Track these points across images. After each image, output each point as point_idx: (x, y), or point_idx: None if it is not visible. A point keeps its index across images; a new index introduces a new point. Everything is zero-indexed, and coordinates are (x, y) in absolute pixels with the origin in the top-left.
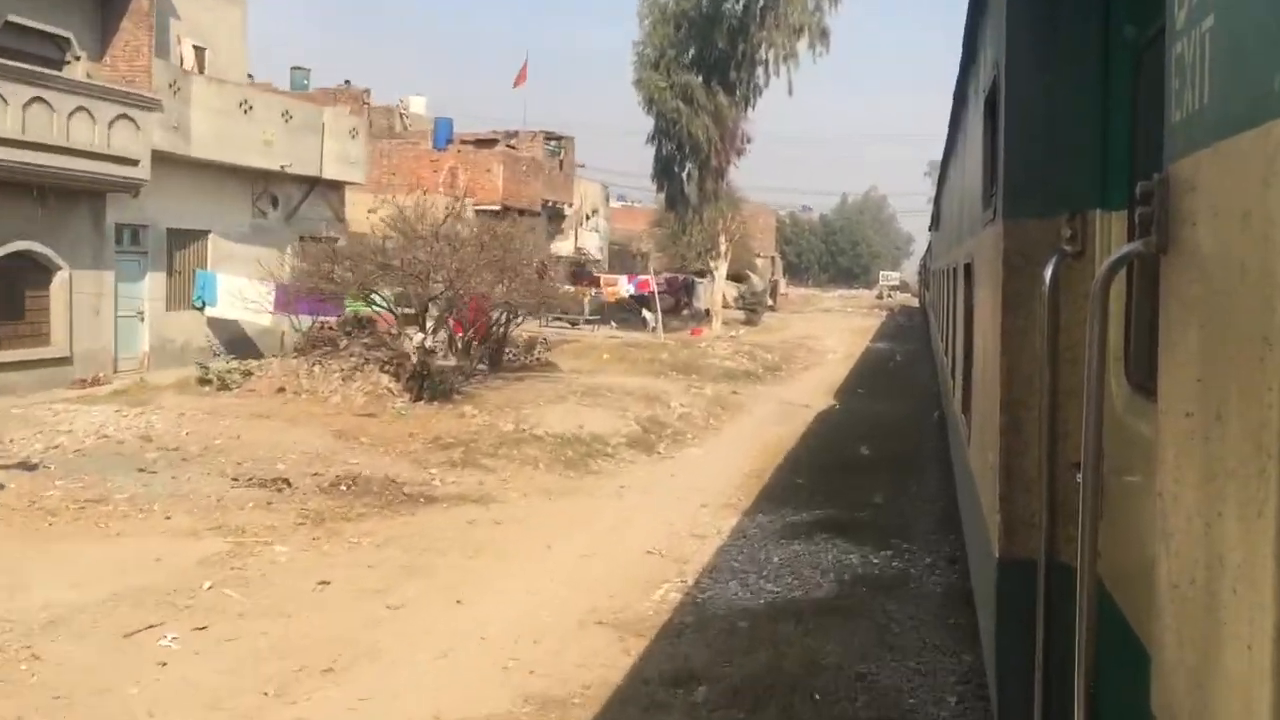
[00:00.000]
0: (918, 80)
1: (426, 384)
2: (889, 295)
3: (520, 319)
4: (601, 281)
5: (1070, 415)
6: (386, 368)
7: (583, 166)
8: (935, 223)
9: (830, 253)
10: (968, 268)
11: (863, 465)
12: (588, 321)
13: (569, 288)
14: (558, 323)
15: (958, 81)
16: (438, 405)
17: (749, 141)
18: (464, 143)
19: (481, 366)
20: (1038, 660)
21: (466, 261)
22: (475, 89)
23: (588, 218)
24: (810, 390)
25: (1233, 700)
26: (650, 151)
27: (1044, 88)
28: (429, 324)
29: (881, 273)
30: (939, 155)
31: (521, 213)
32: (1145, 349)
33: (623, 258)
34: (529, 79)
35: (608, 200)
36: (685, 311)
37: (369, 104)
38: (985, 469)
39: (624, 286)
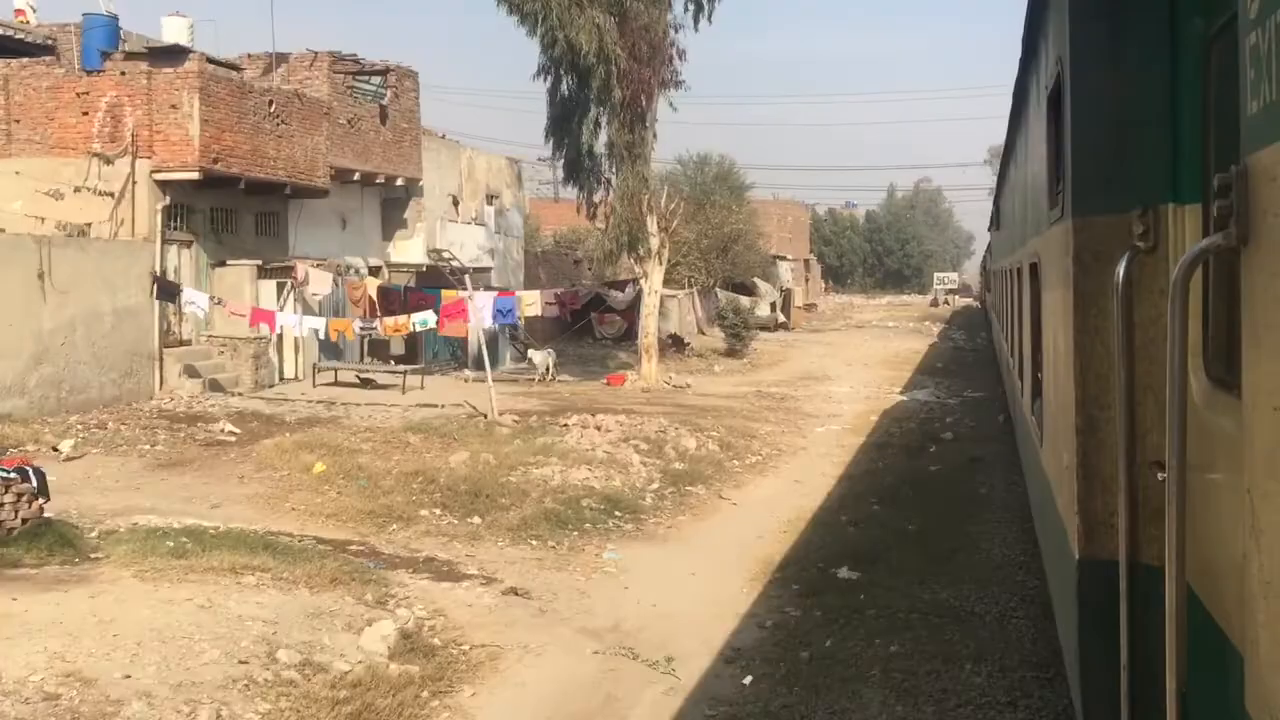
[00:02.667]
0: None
1: None
2: (945, 301)
3: None
4: (410, 301)
5: (1147, 413)
6: None
7: (443, 137)
8: (995, 222)
9: (876, 254)
10: (1034, 267)
11: None
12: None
13: (365, 323)
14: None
15: (1018, 79)
16: None
17: (683, 58)
18: (130, 56)
19: None
20: (1123, 661)
21: None
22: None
23: (491, 201)
24: (717, 571)
25: None
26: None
27: (1110, 82)
28: None
29: (936, 274)
30: (999, 140)
31: (270, 187)
32: (1224, 343)
33: (559, 266)
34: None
35: (521, 182)
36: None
37: None
38: (1061, 470)
39: (487, 312)
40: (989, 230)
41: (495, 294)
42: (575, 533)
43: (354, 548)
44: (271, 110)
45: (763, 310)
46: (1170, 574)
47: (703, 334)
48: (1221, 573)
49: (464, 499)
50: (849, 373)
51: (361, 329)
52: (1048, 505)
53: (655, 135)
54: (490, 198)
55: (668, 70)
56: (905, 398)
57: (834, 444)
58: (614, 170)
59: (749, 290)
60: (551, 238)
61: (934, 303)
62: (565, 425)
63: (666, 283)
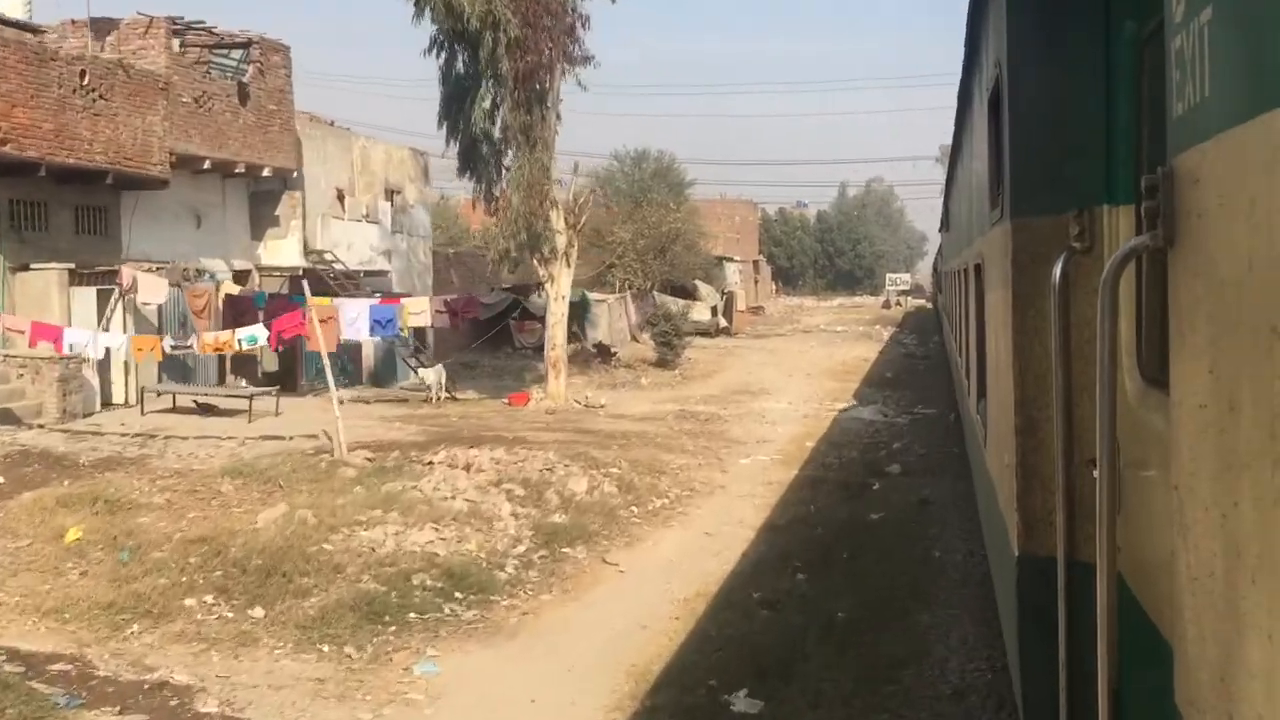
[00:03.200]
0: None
1: None
2: (898, 303)
3: None
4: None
5: (1085, 412)
6: None
7: (332, 124)
8: (945, 224)
9: (827, 254)
10: (978, 268)
11: None
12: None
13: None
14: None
15: (961, 81)
16: None
17: (586, 26)
18: None
19: None
20: (1061, 657)
21: None
22: None
23: (391, 196)
24: (571, 692)
25: (1256, 691)
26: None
27: (1047, 85)
28: None
29: (888, 275)
30: (949, 139)
31: (87, 175)
32: (1156, 342)
33: (476, 268)
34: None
35: (427, 176)
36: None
37: None
38: (1002, 468)
39: (362, 323)
40: (939, 232)
41: (372, 302)
42: (392, 628)
43: (58, 666)
44: (84, 83)
45: (702, 314)
46: (1101, 570)
47: (636, 341)
48: (1155, 569)
49: (253, 579)
50: (789, 385)
51: (173, 347)
52: (991, 503)
53: (559, 118)
54: (391, 193)
55: (571, 42)
56: (849, 415)
57: (760, 480)
58: (510, 146)
59: (689, 293)
60: (480, 237)
61: (886, 304)
62: (429, 464)
63: (597, 286)
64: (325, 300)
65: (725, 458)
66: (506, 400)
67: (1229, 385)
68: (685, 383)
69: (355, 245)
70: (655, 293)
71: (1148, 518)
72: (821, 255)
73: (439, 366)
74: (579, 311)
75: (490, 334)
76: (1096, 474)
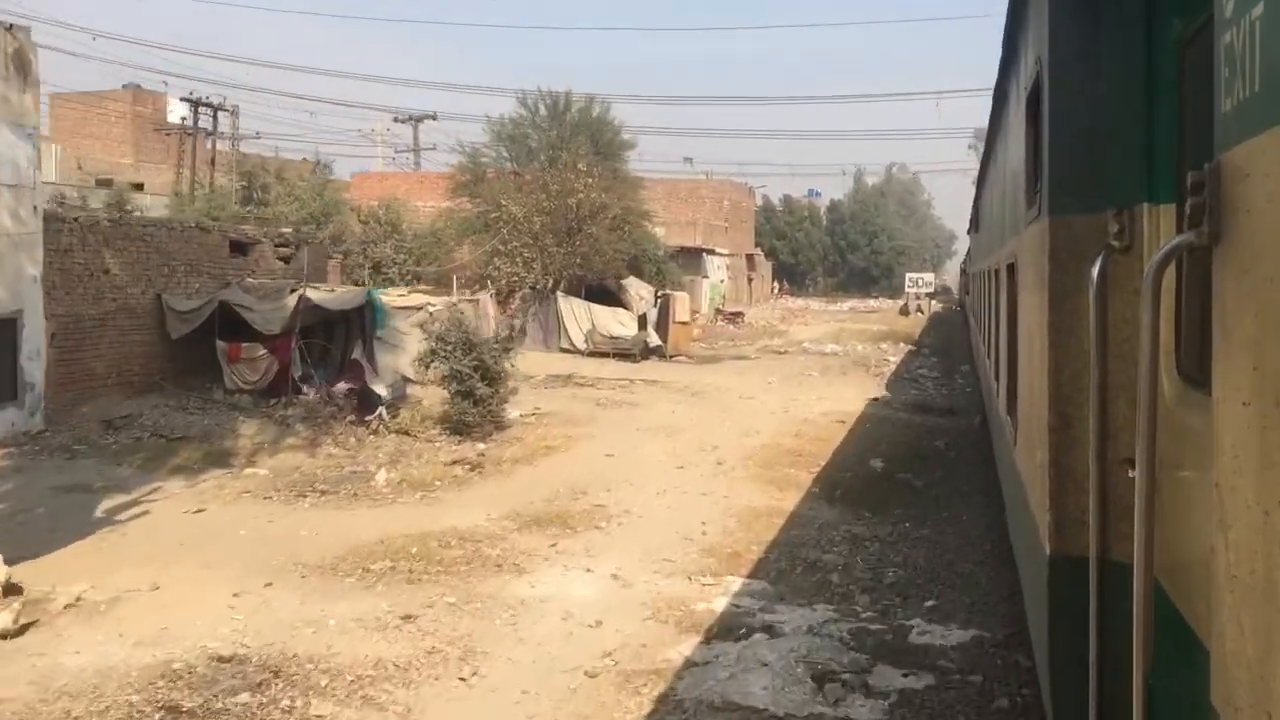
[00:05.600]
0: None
1: None
2: (918, 309)
3: None
4: None
5: (1119, 411)
6: None
7: None
8: (975, 225)
9: (838, 249)
10: (1010, 268)
11: None
12: None
13: None
14: None
15: (998, 81)
16: None
17: None
18: None
19: None
20: (1092, 657)
21: None
22: None
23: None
24: None
25: None
26: None
27: (1088, 83)
28: None
29: (908, 275)
30: (984, 123)
31: None
32: (1196, 342)
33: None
34: None
35: (26, 70)
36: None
37: None
38: (1034, 468)
39: None
40: (968, 233)
41: None
42: None
43: None
44: None
45: (623, 327)
46: (1139, 569)
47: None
48: (1190, 570)
49: None
50: (651, 509)
51: None
52: (1021, 503)
53: None
54: None
55: None
56: (724, 670)
57: None
58: None
59: (613, 295)
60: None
61: (904, 310)
62: None
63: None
64: None
65: None
66: None
67: (1274, 382)
68: (460, 488)
69: None
70: (560, 294)
71: (1183, 518)
72: (832, 250)
73: None
74: (356, 325)
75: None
76: (1134, 474)
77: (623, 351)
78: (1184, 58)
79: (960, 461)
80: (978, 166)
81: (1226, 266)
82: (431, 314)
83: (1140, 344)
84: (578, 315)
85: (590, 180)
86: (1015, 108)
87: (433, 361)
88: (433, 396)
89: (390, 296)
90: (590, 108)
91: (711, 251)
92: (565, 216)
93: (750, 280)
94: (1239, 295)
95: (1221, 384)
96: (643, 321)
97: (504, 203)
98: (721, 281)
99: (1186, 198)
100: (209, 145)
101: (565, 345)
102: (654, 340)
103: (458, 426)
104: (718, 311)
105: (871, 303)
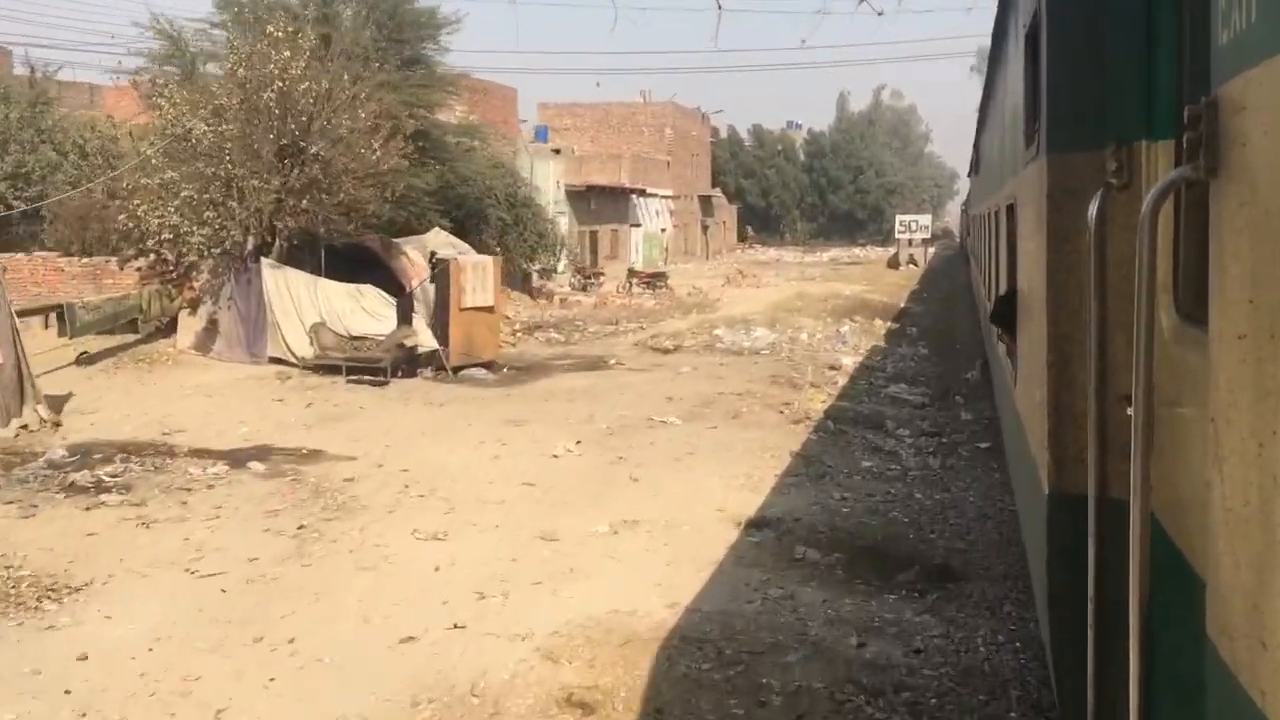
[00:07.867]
0: None
1: None
2: (911, 260)
3: None
4: None
5: (1118, 349)
6: None
7: None
8: (975, 168)
9: (818, 188)
10: (1010, 209)
11: None
12: None
13: None
14: None
15: (996, 19)
16: None
17: None
18: None
19: None
20: (1090, 593)
21: None
22: None
23: None
24: None
25: None
26: None
27: (1086, 19)
28: None
29: (899, 218)
30: (986, 43)
31: None
32: (1194, 278)
33: None
34: None
35: None
36: None
37: None
38: (1033, 407)
39: None
40: (969, 176)
41: None
42: None
43: None
44: None
45: (373, 322)
46: (1136, 505)
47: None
48: (1187, 506)
49: None
50: None
51: None
52: (1020, 443)
53: None
54: None
55: None
56: None
57: None
58: None
59: (379, 264)
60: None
61: (894, 262)
62: None
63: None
64: None
65: None
66: None
67: (1270, 315)
68: None
69: None
70: (267, 263)
71: (1180, 455)
72: (810, 190)
73: None
74: None
75: None
76: (1131, 410)
77: (365, 365)
78: None
79: None
80: (980, 91)
81: (1223, 200)
82: None
83: (1137, 279)
84: (297, 299)
85: (291, 58)
86: (1014, 46)
87: None
88: None
89: None
90: None
91: (643, 193)
92: (272, 126)
93: (705, 228)
94: (1235, 229)
95: (1218, 318)
96: (403, 310)
97: (187, 117)
98: (663, 231)
99: (1184, 132)
100: None
101: (276, 353)
102: (424, 341)
103: None
104: (630, 274)
105: (856, 251)
